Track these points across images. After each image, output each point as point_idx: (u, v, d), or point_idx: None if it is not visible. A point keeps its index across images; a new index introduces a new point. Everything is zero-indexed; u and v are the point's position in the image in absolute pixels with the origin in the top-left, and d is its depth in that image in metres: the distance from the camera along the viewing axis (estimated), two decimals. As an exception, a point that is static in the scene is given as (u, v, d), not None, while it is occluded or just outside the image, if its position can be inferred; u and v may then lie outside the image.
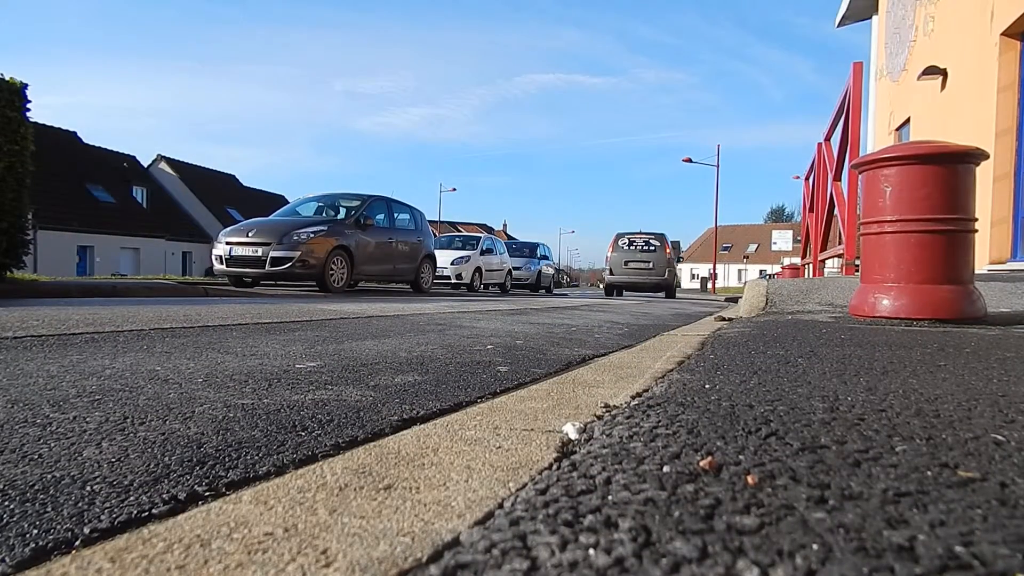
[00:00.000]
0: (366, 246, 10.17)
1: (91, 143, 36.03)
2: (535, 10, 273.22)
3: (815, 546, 0.63)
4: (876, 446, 0.98)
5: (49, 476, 1.05)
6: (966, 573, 0.58)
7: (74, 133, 35.18)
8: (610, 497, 0.77)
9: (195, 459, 1.17)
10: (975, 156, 3.16)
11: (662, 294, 17.01)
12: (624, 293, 17.28)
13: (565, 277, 59.99)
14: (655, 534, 0.66)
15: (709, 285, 36.30)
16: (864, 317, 3.42)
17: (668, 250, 15.76)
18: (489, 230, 59.44)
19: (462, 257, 15.23)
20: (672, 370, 1.76)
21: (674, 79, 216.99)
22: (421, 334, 3.59)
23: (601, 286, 20.23)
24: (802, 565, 0.59)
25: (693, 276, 64.71)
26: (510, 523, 0.71)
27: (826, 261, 9.29)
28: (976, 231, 3.27)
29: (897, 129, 10.87)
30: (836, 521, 0.69)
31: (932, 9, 9.06)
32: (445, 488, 0.91)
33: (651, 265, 15.49)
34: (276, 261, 8.87)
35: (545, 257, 20.88)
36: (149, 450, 1.21)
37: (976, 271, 3.46)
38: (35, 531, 0.85)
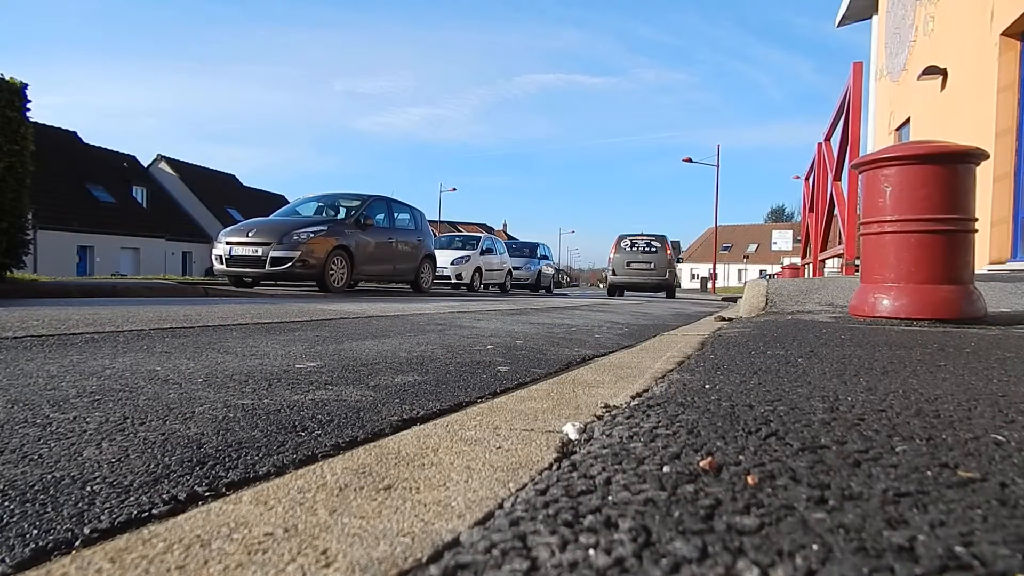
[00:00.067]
0: (366, 246, 10.17)
1: (91, 143, 36.05)
2: (535, 10, 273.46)
3: (815, 546, 0.63)
4: (876, 446, 0.98)
5: (49, 476, 1.05)
6: (966, 573, 0.58)
7: (74, 133, 35.19)
8: (610, 497, 0.77)
9: (195, 459, 1.17)
10: (975, 156, 3.16)
11: (662, 294, 17.38)
12: (625, 293, 17.65)
13: (565, 277, 59.98)
14: (655, 534, 0.66)
15: (709, 285, 36.31)
16: (864, 317, 3.42)
17: (669, 251, 16.10)
18: (489, 230, 59.44)
19: (462, 257, 15.24)
20: (672, 370, 1.76)
21: (674, 79, 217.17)
22: (421, 334, 3.59)
23: (601, 286, 20.43)
24: (802, 565, 0.59)
25: (693, 276, 64.71)
26: (510, 523, 0.71)
27: (826, 261, 9.29)
28: (976, 231, 3.27)
29: (897, 129, 10.87)
30: (836, 521, 0.69)
31: (932, 9, 9.06)
32: (445, 488, 0.91)
33: (652, 266, 15.84)
34: (276, 261, 8.87)
35: (545, 257, 20.88)
36: (149, 450, 1.21)
37: (976, 271, 3.46)
38: (35, 531, 0.85)
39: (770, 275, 28.88)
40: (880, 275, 3.34)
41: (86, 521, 0.88)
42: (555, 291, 21.17)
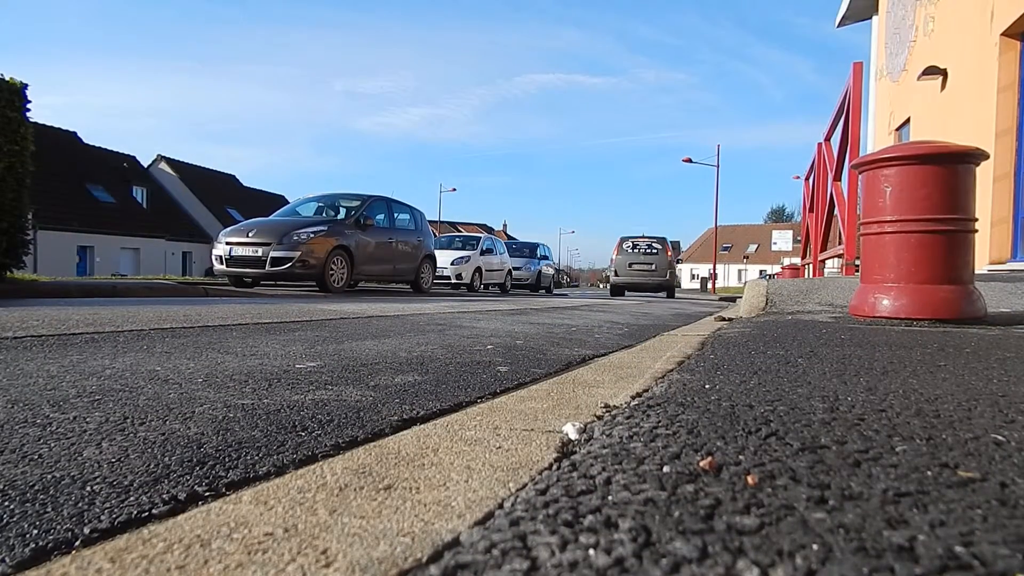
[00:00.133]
0: (366, 246, 10.17)
1: (91, 143, 36.06)
2: (535, 10, 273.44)
3: (815, 546, 0.63)
4: (876, 446, 0.98)
5: (49, 476, 1.05)
6: (966, 573, 0.58)
7: (74, 133, 35.19)
8: (610, 497, 0.77)
9: (195, 459, 1.17)
10: (975, 156, 3.16)
11: (663, 294, 17.89)
12: (626, 293, 18.01)
13: (565, 277, 59.98)
14: (655, 534, 0.66)
15: (709, 285, 36.31)
16: (864, 317, 3.42)
17: (669, 252, 16.63)
18: (489, 230, 59.44)
19: (462, 257, 15.24)
20: (672, 370, 1.76)
21: (674, 79, 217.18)
22: (421, 334, 3.59)
23: (601, 286, 20.77)
24: (802, 565, 0.59)
25: (693, 276, 64.71)
26: (510, 523, 0.71)
27: (826, 261, 9.29)
28: (976, 231, 3.27)
29: (897, 129, 10.87)
30: (836, 521, 0.69)
31: (932, 9, 9.07)
32: (445, 488, 0.91)
33: (654, 267, 16.36)
34: (276, 261, 8.87)
35: (545, 257, 20.88)
36: (149, 450, 1.21)
37: (976, 271, 3.46)
38: (35, 531, 0.85)
39: (770, 275, 28.88)
40: (880, 275, 3.34)
41: (86, 521, 0.89)
42: (555, 291, 21.17)
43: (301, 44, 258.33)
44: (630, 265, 16.45)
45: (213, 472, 1.11)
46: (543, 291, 19.18)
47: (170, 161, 41.40)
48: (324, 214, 10.67)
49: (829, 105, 9.43)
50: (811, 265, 10.22)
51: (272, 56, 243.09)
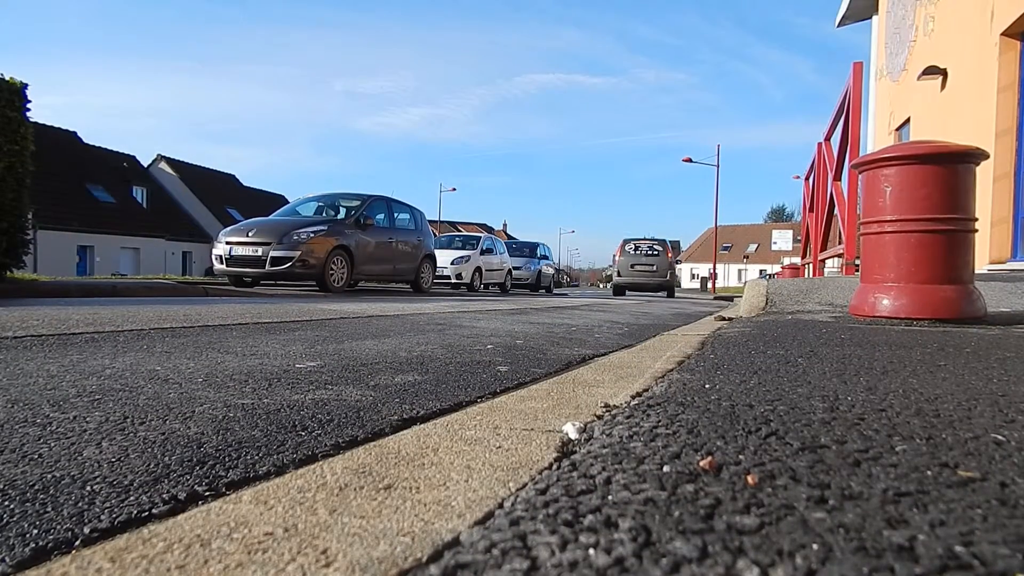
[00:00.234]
0: (366, 246, 10.16)
1: (91, 143, 36.04)
2: (535, 10, 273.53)
3: (815, 546, 0.63)
4: (876, 446, 0.98)
5: (49, 476, 1.05)
6: (966, 573, 0.58)
7: (74, 133, 35.18)
8: (610, 497, 0.77)
9: (195, 459, 1.17)
10: (975, 156, 3.16)
11: (663, 294, 18.48)
12: (627, 293, 18.47)
13: (565, 277, 59.97)
14: (655, 534, 0.66)
15: (709, 285, 36.29)
16: (864, 317, 3.42)
17: (669, 254, 17.38)
18: (489, 230, 59.42)
19: (462, 257, 15.23)
20: (672, 370, 1.76)
21: (674, 79, 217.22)
22: (421, 334, 3.59)
23: (601, 286, 21.25)
24: (802, 565, 0.59)
25: (693, 276, 64.71)
26: (510, 523, 0.71)
27: (826, 261, 9.29)
28: (976, 231, 3.27)
29: (897, 129, 10.87)
30: (836, 521, 0.69)
31: (932, 9, 9.06)
32: (445, 488, 0.91)
33: (655, 268, 17.12)
34: (276, 261, 8.87)
35: (545, 257, 20.88)
36: (149, 450, 1.21)
37: (976, 271, 3.46)
38: (35, 531, 0.85)
39: (770, 275, 28.87)
40: (880, 275, 3.34)
41: (86, 521, 0.89)
42: (555, 291, 21.17)
43: (301, 44, 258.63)
44: (632, 266, 17.15)
45: (213, 472, 1.11)
46: (543, 291, 19.18)
47: (170, 161, 41.39)
48: (324, 214, 10.67)
49: (829, 105, 9.43)
50: (811, 265, 10.22)
51: (272, 56, 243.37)
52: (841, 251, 7.26)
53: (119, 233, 31.91)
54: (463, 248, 16.02)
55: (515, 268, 18.15)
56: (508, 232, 72.60)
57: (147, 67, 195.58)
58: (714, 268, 32.15)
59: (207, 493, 1.00)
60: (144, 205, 36.50)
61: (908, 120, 10.21)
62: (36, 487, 1.00)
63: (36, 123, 7.60)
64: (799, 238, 14.30)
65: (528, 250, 20.19)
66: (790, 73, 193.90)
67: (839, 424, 1.12)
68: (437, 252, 13.25)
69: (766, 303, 4.70)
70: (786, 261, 27.43)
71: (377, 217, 10.64)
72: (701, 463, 0.89)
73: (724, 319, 4.48)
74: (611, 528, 0.68)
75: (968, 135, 7.11)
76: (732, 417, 1.17)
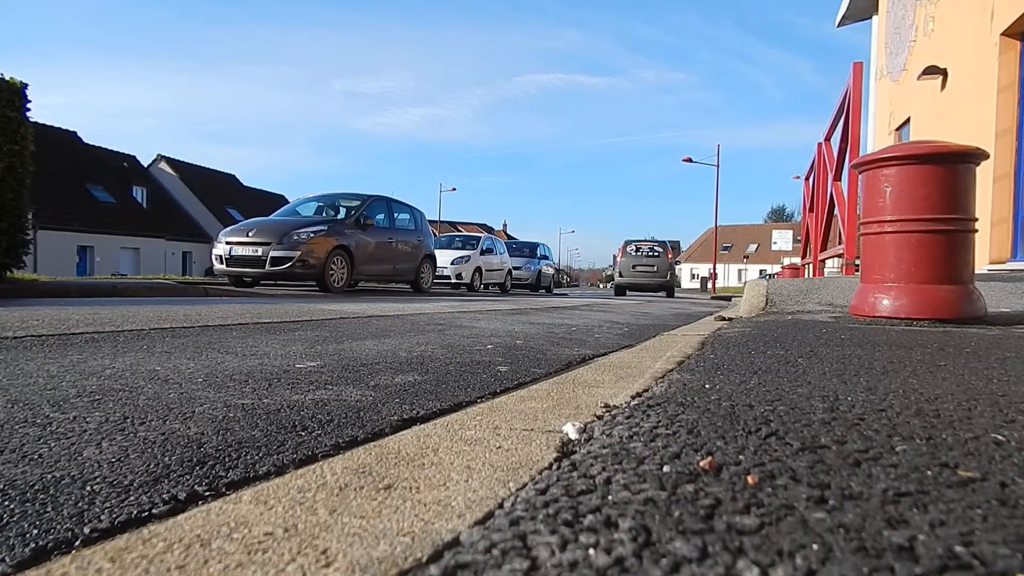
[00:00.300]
0: (366, 246, 10.16)
1: (91, 143, 36.03)
2: (535, 10, 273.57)
3: (815, 546, 0.63)
4: (876, 446, 0.98)
5: (49, 476, 1.05)
6: (966, 573, 0.58)
7: (74, 133, 35.18)
8: (610, 497, 0.77)
9: (195, 459, 1.17)
10: (975, 156, 3.16)
11: (663, 294, 18.77)
12: (627, 293, 18.83)
13: (565, 277, 59.95)
14: (655, 534, 0.66)
15: (709, 285, 36.26)
16: (864, 317, 3.42)
17: (669, 255, 17.89)
18: (489, 230, 59.42)
19: (462, 257, 15.23)
20: (672, 370, 1.76)
21: (674, 79, 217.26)
22: (421, 334, 3.59)
23: (601, 286, 21.67)
24: (802, 565, 0.59)
25: (693, 276, 64.71)
26: (510, 523, 0.71)
27: (826, 261, 9.29)
28: (976, 231, 3.27)
29: (897, 129, 10.87)
30: (836, 521, 0.69)
31: (932, 9, 9.06)
32: (445, 488, 0.91)
33: (655, 269, 17.62)
34: (276, 261, 8.87)
35: (545, 257, 20.88)
36: (149, 450, 1.21)
37: (976, 271, 3.46)
38: (35, 531, 0.85)
39: (770, 275, 28.87)
40: (880, 275, 3.34)
41: (86, 521, 0.89)
42: (555, 291, 21.18)
43: (301, 44, 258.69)
44: (633, 267, 17.67)
45: (213, 472, 1.11)
46: (543, 291, 19.19)
47: (170, 161, 41.38)
48: (324, 214, 10.67)
49: (829, 105, 9.43)
50: (811, 265, 10.22)
51: (272, 56, 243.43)
52: (841, 251, 7.26)
53: (119, 233, 31.91)
54: (463, 248, 16.03)
55: (515, 268, 18.16)
56: (508, 232, 72.60)
57: (147, 67, 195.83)
58: (714, 268, 32.14)
59: (207, 493, 1.00)
60: (144, 205, 36.50)
61: (908, 120, 10.21)
62: (36, 487, 1.00)
63: (36, 123, 7.60)
64: (799, 238, 14.30)
65: (528, 250, 20.19)
66: (790, 73, 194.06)
67: (839, 424, 1.12)
68: (437, 252, 13.25)
69: (766, 303, 4.70)
70: (786, 261, 27.43)
71: (377, 217, 10.64)
72: (701, 463, 0.89)
73: (724, 319, 4.48)
74: (611, 528, 0.68)
75: (968, 135, 7.11)
76: (732, 417, 1.17)
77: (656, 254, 17.73)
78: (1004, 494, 0.78)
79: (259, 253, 8.95)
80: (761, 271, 52.31)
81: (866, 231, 3.41)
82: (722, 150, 33.49)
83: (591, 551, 0.63)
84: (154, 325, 3.43)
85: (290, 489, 0.92)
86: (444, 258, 14.54)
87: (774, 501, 0.75)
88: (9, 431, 1.30)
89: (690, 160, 30.67)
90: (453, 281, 14.86)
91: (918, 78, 8.82)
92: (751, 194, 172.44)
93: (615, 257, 18.42)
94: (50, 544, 0.81)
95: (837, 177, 8.09)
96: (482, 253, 15.92)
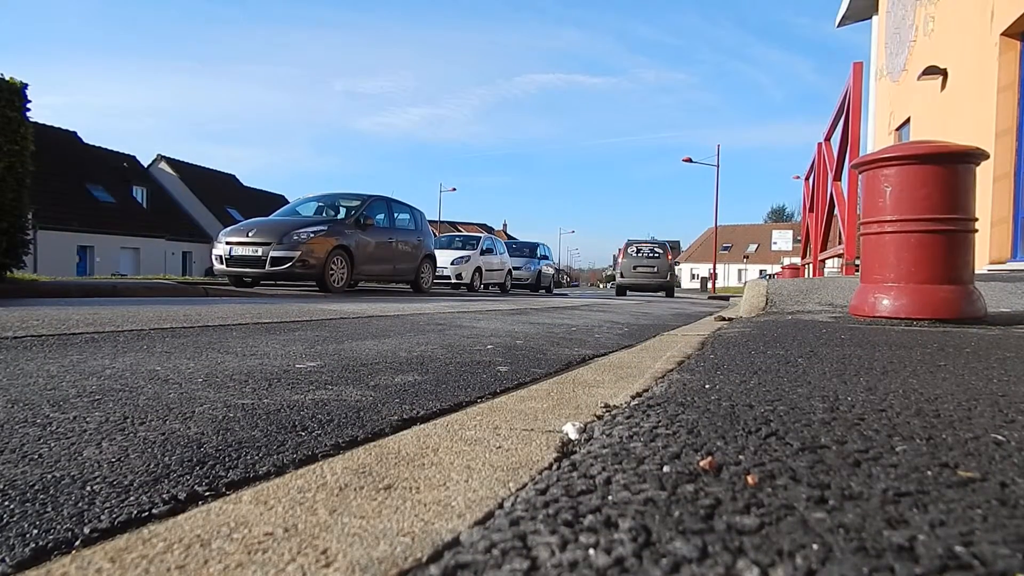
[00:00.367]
0: (366, 246, 10.16)
1: (91, 143, 36.03)
2: (535, 10, 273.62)
3: (815, 546, 0.63)
4: (876, 446, 0.98)
5: (49, 476, 1.05)
6: (966, 573, 0.58)
7: (74, 133, 35.18)
8: (610, 497, 0.77)
9: (195, 459, 1.17)
10: (975, 156, 3.16)
11: (662, 294, 19.05)
12: (627, 293, 19.12)
13: (565, 277, 59.97)
14: (655, 534, 0.66)
15: (709, 285, 36.27)
16: (864, 317, 3.42)
17: (669, 256, 18.28)
18: (489, 230, 59.42)
19: (462, 257, 15.23)
20: (672, 370, 1.76)
21: (674, 79, 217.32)
22: (421, 334, 3.59)
23: (601, 286, 22.07)
24: (802, 565, 0.59)
25: (693, 276, 64.70)
26: (510, 523, 0.71)
27: (826, 261, 9.29)
28: (976, 231, 3.27)
29: (897, 129, 10.87)
30: (836, 521, 0.69)
31: (932, 9, 9.06)
32: (445, 488, 0.91)
33: (656, 269, 18.01)
34: (276, 261, 8.87)
35: (545, 257, 20.88)
36: (149, 450, 1.21)
37: (976, 271, 3.46)
38: (35, 531, 0.85)
39: (770, 275, 28.86)
40: (880, 275, 3.34)
41: (86, 521, 0.88)
42: (555, 291, 21.18)
43: (301, 44, 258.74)
44: (634, 267, 18.08)
45: (213, 472, 1.11)
46: (543, 291, 19.19)
47: (170, 161, 41.38)
48: (324, 214, 10.67)
49: (829, 105, 9.43)
50: (811, 265, 10.22)
51: (272, 56, 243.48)
52: (841, 251, 7.26)
53: (119, 233, 31.91)
54: (463, 248, 16.03)
55: (515, 268, 18.17)
56: (508, 232, 72.60)
57: (147, 67, 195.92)
58: (714, 268, 32.14)
59: (207, 493, 1.00)
60: (144, 205, 36.50)
61: (908, 120, 10.21)
62: (36, 487, 1.00)
63: (36, 123, 7.60)
64: (799, 238, 14.30)
65: (528, 250, 20.19)
66: (790, 73, 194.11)
67: (839, 424, 1.12)
68: (437, 252, 13.25)
69: (766, 303, 4.70)
70: (786, 261, 27.42)
71: (377, 217, 10.64)
72: (701, 463, 0.89)
73: (724, 319, 4.48)
74: (611, 528, 0.68)
75: (968, 135, 7.11)
76: (732, 417, 1.17)
77: (656, 255, 18.07)
78: (1004, 494, 0.78)
79: (259, 253, 8.95)
80: (761, 271, 52.30)
81: (866, 231, 3.41)
82: (722, 150, 33.50)
83: (591, 551, 0.63)
84: (154, 325, 3.43)
85: (290, 489, 0.92)
86: (444, 258, 14.54)
87: (774, 501, 0.75)
88: (9, 431, 1.30)
89: (690, 160, 30.68)
90: (453, 281, 14.85)
91: (918, 78, 8.82)
92: (751, 194, 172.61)
93: (616, 258, 18.72)
94: (50, 544, 0.81)
95: (837, 177, 8.09)
96: (482, 253, 15.92)
